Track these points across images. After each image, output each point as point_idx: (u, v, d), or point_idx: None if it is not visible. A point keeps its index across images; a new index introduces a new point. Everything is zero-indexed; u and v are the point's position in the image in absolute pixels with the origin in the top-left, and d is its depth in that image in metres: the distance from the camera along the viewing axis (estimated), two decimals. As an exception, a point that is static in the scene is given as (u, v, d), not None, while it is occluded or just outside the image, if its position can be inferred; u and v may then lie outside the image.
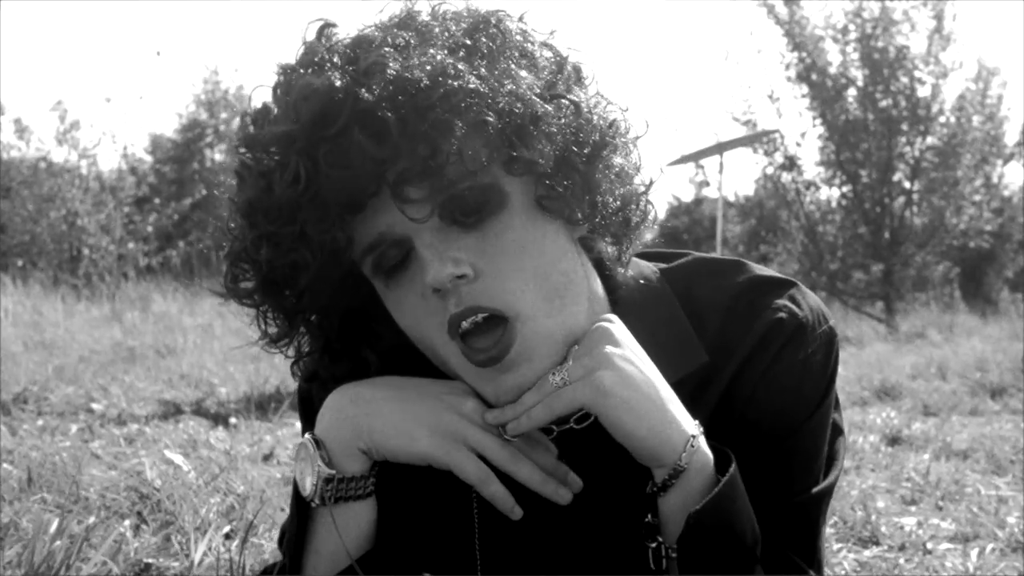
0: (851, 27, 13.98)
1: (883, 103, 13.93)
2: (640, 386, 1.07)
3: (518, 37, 1.10)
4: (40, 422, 3.85)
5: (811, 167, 14.76)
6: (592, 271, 1.18)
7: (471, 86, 1.02)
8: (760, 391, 1.17)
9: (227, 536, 2.12)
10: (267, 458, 3.15)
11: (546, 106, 1.07)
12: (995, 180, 15.57)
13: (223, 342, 6.86)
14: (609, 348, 1.08)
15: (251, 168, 1.06)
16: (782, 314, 1.19)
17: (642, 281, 1.23)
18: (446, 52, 1.04)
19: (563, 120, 1.08)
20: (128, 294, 10.93)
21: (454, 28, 1.07)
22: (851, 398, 5.36)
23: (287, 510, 2.37)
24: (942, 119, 14.09)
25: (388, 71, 1.01)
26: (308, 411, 1.27)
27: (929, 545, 2.42)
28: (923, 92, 13.96)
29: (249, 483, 2.56)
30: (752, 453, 1.13)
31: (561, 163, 1.09)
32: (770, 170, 14.68)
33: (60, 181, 13.47)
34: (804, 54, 14.00)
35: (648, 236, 1.23)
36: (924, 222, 14.23)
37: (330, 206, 1.03)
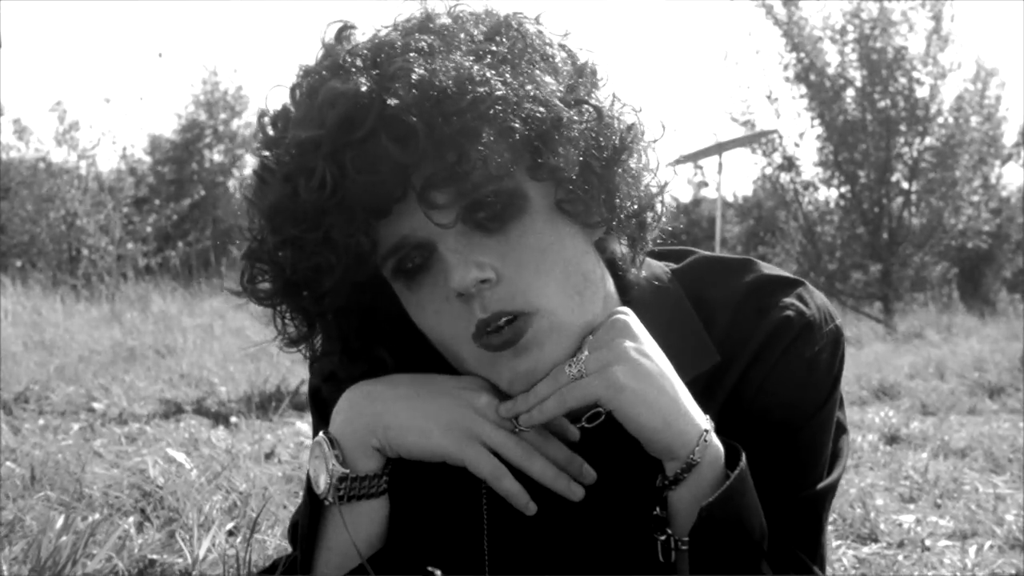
0: (849, 28, 14.00)
1: (881, 104, 13.95)
2: (654, 380, 1.08)
3: (537, 40, 1.11)
4: (41, 421, 3.85)
5: (809, 167, 14.79)
6: (606, 271, 1.19)
7: (498, 93, 1.03)
8: (767, 387, 1.18)
9: (230, 533, 2.13)
10: (268, 456, 3.16)
11: (569, 111, 1.08)
12: (993, 181, 15.61)
13: (223, 342, 6.87)
14: (624, 341, 1.09)
15: (274, 172, 1.07)
16: (790, 312, 1.21)
17: (656, 282, 1.25)
18: (472, 58, 1.05)
19: (585, 125, 1.10)
20: (127, 294, 10.92)
21: (475, 31, 1.08)
22: (849, 397, 5.38)
23: (289, 507, 2.39)
24: (940, 120, 14.10)
25: (413, 76, 1.01)
26: (321, 409, 1.28)
27: (928, 542, 2.44)
28: (921, 93, 13.98)
29: (251, 481, 2.58)
30: (758, 449, 1.15)
31: (582, 167, 1.10)
32: (768, 170, 14.70)
33: (59, 182, 13.46)
34: (802, 55, 14.02)
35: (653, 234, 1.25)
36: (922, 222, 14.25)
37: (356, 211, 1.04)
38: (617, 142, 1.13)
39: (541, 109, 1.06)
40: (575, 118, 1.09)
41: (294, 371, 5.21)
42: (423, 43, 1.05)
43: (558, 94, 1.08)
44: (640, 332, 1.12)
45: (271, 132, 1.11)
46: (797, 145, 14.46)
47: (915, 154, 14.12)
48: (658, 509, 1.13)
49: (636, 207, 1.17)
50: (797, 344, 1.20)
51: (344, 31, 1.12)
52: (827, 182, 14.72)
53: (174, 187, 20.44)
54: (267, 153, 1.09)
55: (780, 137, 14.31)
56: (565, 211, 1.12)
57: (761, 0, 14.08)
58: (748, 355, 1.19)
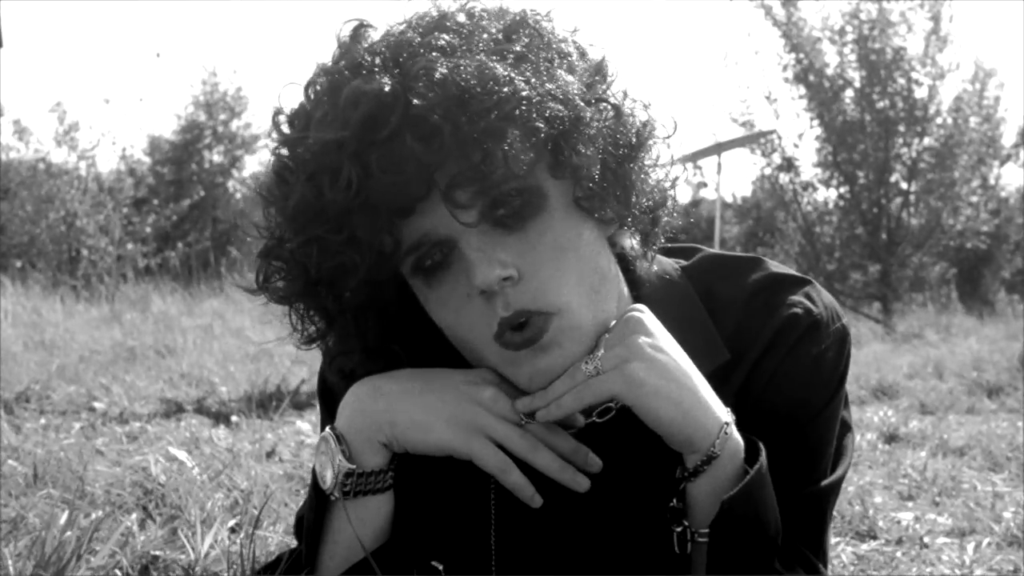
0: (848, 28, 14.01)
1: (880, 104, 13.96)
2: (672, 374, 1.09)
3: (553, 38, 1.12)
4: (42, 420, 3.86)
5: (808, 168, 14.80)
6: (618, 268, 1.21)
7: (523, 93, 1.04)
8: (773, 384, 1.20)
9: (232, 530, 2.14)
10: (269, 455, 3.18)
11: (588, 109, 1.09)
12: (992, 181, 15.60)
13: (223, 342, 6.88)
14: (640, 338, 1.10)
15: (297, 171, 1.07)
16: (797, 310, 1.22)
17: (667, 276, 1.26)
18: (495, 57, 1.05)
19: (604, 123, 1.11)
20: (127, 295, 10.93)
21: (492, 30, 1.09)
22: (848, 397, 5.37)
23: (291, 505, 2.40)
24: (939, 120, 14.11)
25: (436, 75, 1.02)
26: (330, 404, 1.29)
27: (926, 539, 2.45)
28: (920, 93, 13.99)
29: (252, 479, 2.59)
30: (763, 445, 1.16)
31: (600, 164, 1.11)
32: (768, 171, 14.71)
33: (59, 182, 13.47)
34: (801, 55, 14.03)
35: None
36: (921, 223, 14.26)
37: (380, 210, 1.05)
38: (633, 139, 1.14)
39: (562, 107, 1.06)
40: (594, 116, 1.10)
41: (294, 371, 5.23)
42: (443, 42, 1.06)
43: (577, 92, 1.09)
44: (656, 328, 1.13)
45: (291, 131, 1.11)
46: (796, 145, 14.48)
47: (914, 155, 14.13)
48: (675, 500, 1.14)
49: (651, 203, 1.18)
50: (804, 341, 1.21)
51: (360, 29, 1.12)
52: (826, 182, 14.74)
53: (173, 188, 20.43)
54: (287, 152, 1.09)
55: (779, 137, 14.32)
56: (582, 208, 1.13)
57: (760, 1, 14.10)
58: (756, 352, 1.20)
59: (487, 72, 1.03)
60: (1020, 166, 15.90)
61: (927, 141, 14.11)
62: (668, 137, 1.19)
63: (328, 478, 1.16)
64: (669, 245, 1.30)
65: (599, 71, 1.14)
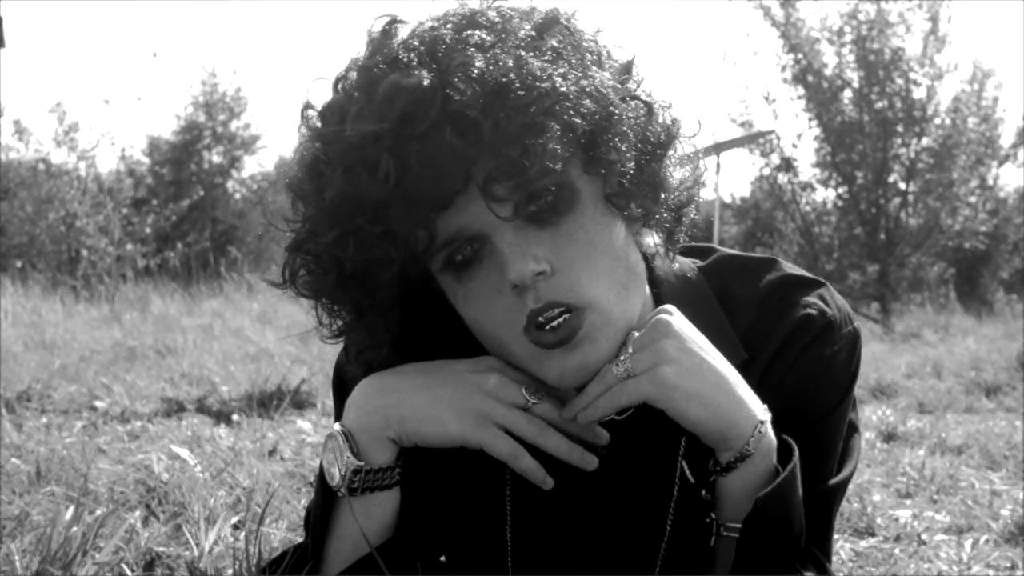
0: (847, 29, 14.05)
1: (879, 105, 13.99)
2: (705, 376, 1.10)
3: (582, 36, 1.13)
4: (44, 420, 3.87)
5: (807, 168, 14.85)
6: (643, 265, 1.21)
7: (561, 89, 1.05)
8: (786, 383, 1.20)
9: (235, 527, 2.15)
10: (271, 453, 3.19)
11: (622, 106, 1.10)
12: (990, 182, 15.62)
13: (223, 342, 6.88)
14: (671, 341, 1.11)
15: (333, 165, 1.07)
16: (812, 311, 1.23)
17: (689, 275, 1.27)
18: (532, 53, 1.06)
19: (636, 120, 1.12)
20: (127, 295, 10.94)
21: (526, 27, 1.09)
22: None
23: (293, 503, 2.41)
24: (937, 121, 14.16)
25: (475, 70, 1.03)
26: (344, 397, 1.28)
27: (924, 536, 2.46)
28: (918, 94, 14.04)
29: (254, 477, 2.60)
30: None
31: (630, 162, 1.12)
32: (766, 171, 14.74)
33: (59, 183, 13.48)
34: (800, 56, 14.07)
35: None
36: (919, 223, 14.29)
37: (417, 204, 1.05)
38: (663, 136, 1.15)
39: (597, 104, 1.07)
40: (627, 113, 1.11)
41: (294, 371, 5.24)
42: (477, 38, 1.06)
43: (611, 89, 1.10)
44: (687, 328, 1.13)
45: (325, 125, 1.10)
46: (795, 146, 14.53)
47: (912, 155, 14.17)
48: (704, 492, 1.16)
49: (676, 202, 1.19)
50: (817, 342, 1.22)
51: (393, 25, 1.12)
52: (824, 183, 14.78)
53: (173, 188, 20.46)
54: (321, 146, 1.09)
55: (778, 138, 14.35)
56: (613, 204, 1.14)
57: (759, 1, 14.13)
58: (770, 351, 1.21)
59: (525, 68, 1.04)
60: (1018, 166, 15.89)
61: (925, 141, 14.15)
62: (694, 136, 1.20)
63: (335, 475, 1.17)
64: (685, 244, 1.32)
65: (628, 70, 1.15)
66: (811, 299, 1.24)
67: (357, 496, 1.17)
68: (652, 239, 1.22)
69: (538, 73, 1.04)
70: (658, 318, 1.13)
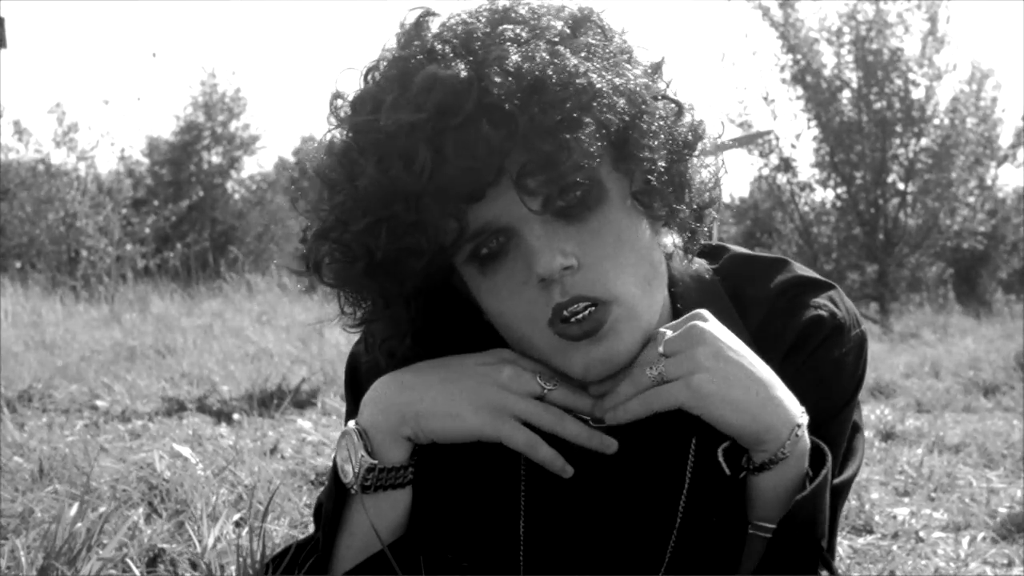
0: (845, 29, 14.06)
1: (877, 105, 14.01)
2: (741, 382, 1.11)
3: (614, 34, 1.14)
4: (45, 419, 3.88)
5: (806, 169, 14.87)
6: (665, 264, 1.22)
7: (597, 86, 1.06)
8: (795, 384, 1.20)
9: (237, 524, 2.16)
10: (272, 452, 3.20)
11: (653, 105, 1.12)
12: (989, 182, 15.63)
13: (222, 342, 6.89)
14: (705, 348, 1.11)
15: (367, 154, 1.07)
16: (823, 312, 1.24)
17: (704, 275, 1.28)
18: (567, 49, 1.07)
19: (666, 120, 1.13)
20: (126, 295, 10.94)
21: (559, 23, 1.10)
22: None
23: (294, 500, 2.43)
24: (936, 121, 14.17)
25: (511, 64, 1.04)
26: (357, 392, 1.30)
27: (922, 534, 2.48)
28: (917, 94, 14.05)
29: (255, 475, 2.61)
30: None
31: (657, 160, 1.13)
32: (765, 172, 14.76)
33: (58, 183, 13.47)
34: (799, 56, 14.08)
35: None
36: (918, 223, 14.31)
37: (450, 195, 1.06)
38: (690, 136, 1.17)
39: (630, 102, 1.09)
40: (658, 112, 1.13)
41: (294, 370, 5.25)
42: (512, 32, 1.08)
43: (643, 87, 1.11)
44: (721, 333, 1.14)
45: (357, 114, 1.11)
46: (794, 146, 14.55)
47: (911, 155, 14.18)
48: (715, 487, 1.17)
49: (700, 202, 1.21)
50: (827, 344, 1.24)
51: (426, 17, 1.12)
52: (823, 183, 14.79)
53: (172, 189, 20.47)
54: (355, 135, 1.10)
55: (777, 138, 14.37)
56: (639, 202, 1.15)
57: (758, 2, 14.15)
58: (781, 351, 1.22)
59: (561, 63, 1.05)
60: (1017, 167, 15.89)
61: (924, 142, 14.16)
62: (719, 137, 1.22)
63: (349, 472, 1.18)
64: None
65: (658, 69, 1.17)
66: (821, 300, 1.26)
67: (370, 494, 1.18)
68: (671, 239, 1.23)
69: (573, 69, 1.06)
70: (692, 324, 1.14)
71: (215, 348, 6.50)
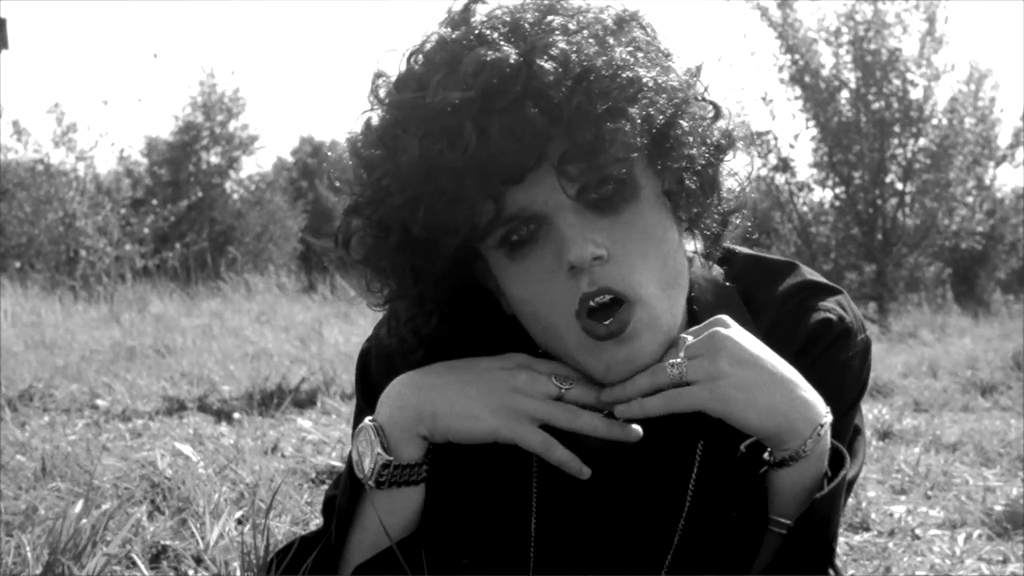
0: (844, 30, 14.07)
1: (876, 105, 14.02)
2: (762, 386, 1.12)
3: (655, 34, 1.16)
4: (46, 418, 3.90)
5: (804, 169, 14.86)
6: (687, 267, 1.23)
7: (644, 80, 1.08)
8: None
9: (239, 521, 2.18)
10: (273, 451, 3.22)
11: (693, 106, 1.14)
12: (987, 182, 15.65)
13: (221, 342, 6.91)
14: (728, 353, 1.12)
15: (411, 131, 1.08)
16: (831, 316, 1.26)
17: (720, 279, 1.29)
18: (615, 42, 1.09)
19: (703, 121, 1.15)
20: (125, 295, 10.95)
21: (607, 19, 1.12)
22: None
23: (295, 498, 2.44)
24: (934, 121, 14.18)
25: (558, 51, 1.06)
26: (367, 392, 1.32)
27: (918, 531, 2.50)
28: (915, 94, 14.06)
29: (256, 473, 2.63)
30: None
31: (691, 161, 1.15)
32: (763, 171, 14.76)
33: (57, 183, 13.51)
34: (797, 56, 14.10)
35: None
36: (916, 223, 14.32)
37: (491, 175, 1.07)
38: (724, 141, 1.19)
39: (671, 101, 1.11)
40: (698, 113, 1.15)
41: (293, 370, 5.27)
42: (560, 23, 1.09)
43: (685, 87, 1.13)
44: (743, 338, 1.14)
45: (401, 93, 1.12)
46: (792, 146, 14.55)
47: (909, 155, 14.19)
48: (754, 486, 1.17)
49: (727, 207, 1.22)
50: (835, 347, 1.25)
51: (474, 3, 1.14)
52: (822, 183, 14.80)
53: (171, 189, 20.49)
54: (399, 112, 1.11)
55: (775, 138, 14.38)
56: (670, 202, 1.16)
57: (756, 2, 14.17)
58: (791, 353, 1.22)
59: (609, 54, 1.07)
60: (1015, 167, 15.90)
61: (922, 142, 14.18)
62: (752, 144, 1.24)
63: (365, 467, 1.19)
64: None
65: (699, 72, 1.19)
66: (829, 304, 1.27)
67: (384, 490, 1.20)
68: (692, 244, 1.24)
69: (621, 61, 1.08)
70: (715, 330, 1.15)
71: (214, 348, 6.52)
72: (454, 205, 1.09)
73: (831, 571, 1.21)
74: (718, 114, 1.18)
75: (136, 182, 16.62)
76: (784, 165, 14.55)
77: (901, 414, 4.71)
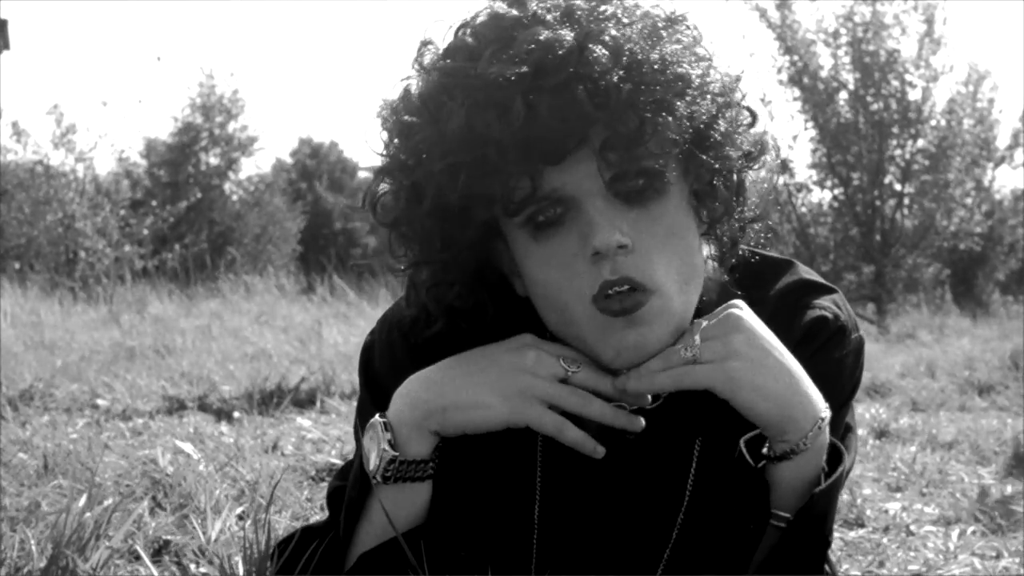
0: (842, 31, 14.10)
1: (874, 106, 14.05)
2: (772, 372, 1.14)
3: (702, 36, 1.18)
4: (47, 417, 3.92)
5: (803, 170, 14.89)
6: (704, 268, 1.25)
7: (691, 77, 1.11)
8: None
9: (240, 517, 2.20)
10: (272, 449, 3.24)
11: (731, 110, 1.16)
12: (986, 183, 15.68)
13: (221, 343, 6.92)
14: (741, 336, 1.15)
15: (459, 98, 1.09)
16: (826, 313, 1.27)
17: (726, 278, 1.30)
18: (667, 37, 1.11)
19: (741, 127, 1.18)
20: (125, 296, 10.96)
21: (657, 16, 1.14)
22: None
23: (295, 495, 2.47)
24: (933, 122, 14.20)
25: (610, 39, 1.08)
26: (372, 387, 1.33)
27: (912, 527, 2.52)
28: (914, 95, 14.08)
29: (257, 471, 2.65)
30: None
31: (725, 164, 1.17)
32: (763, 173, 14.76)
33: (56, 184, 13.52)
34: (796, 58, 14.12)
35: None
36: (915, 224, 14.35)
37: (533, 152, 1.08)
38: (756, 149, 1.21)
39: (713, 102, 1.13)
40: (736, 117, 1.17)
41: (293, 370, 5.28)
42: (612, 14, 1.12)
43: (726, 91, 1.16)
44: (755, 324, 1.17)
45: (452, 61, 1.13)
46: (791, 147, 14.57)
47: (908, 156, 14.22)
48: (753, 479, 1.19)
49: (750, 215, 1.24)
50: (830, 344, 1.27)
51: None
52: (820, 184, 14.83)
53: (170, 190, 20.51)
54: (448, 79, 1.11)
55: (774, 139, 14.38)
56: (697, 201, 1.18)
57: (755, 3, 14.20)
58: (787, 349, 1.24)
59: (660, 48, 1.10)
60: (1014, 168, 15.94)
61: (921, 143, 14.20)
62: (779, 155, 1.26)
63: (372, 462, 1.21)
64: None
65: (740, 79, 1.20)
66: (824, 302, 1.29)
67: (390, 484, 1.21)
68: (708, 248, 1.25)
69: (671, 56, 1.10)
70: (729, 312, 1.17)
71: (214, 348, 6.53)
72: (492, 177, 1.09)
73: (826, 566, 1.23)
74: (754, 121, 1.20)
75: (135, 183, 16.64)
76: (783, 166, 14.56)
77: (898, 413, 4.73)
